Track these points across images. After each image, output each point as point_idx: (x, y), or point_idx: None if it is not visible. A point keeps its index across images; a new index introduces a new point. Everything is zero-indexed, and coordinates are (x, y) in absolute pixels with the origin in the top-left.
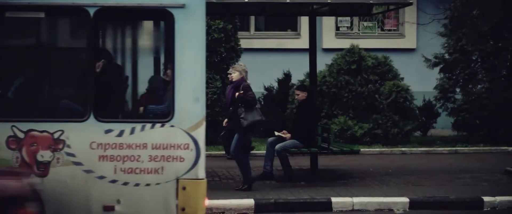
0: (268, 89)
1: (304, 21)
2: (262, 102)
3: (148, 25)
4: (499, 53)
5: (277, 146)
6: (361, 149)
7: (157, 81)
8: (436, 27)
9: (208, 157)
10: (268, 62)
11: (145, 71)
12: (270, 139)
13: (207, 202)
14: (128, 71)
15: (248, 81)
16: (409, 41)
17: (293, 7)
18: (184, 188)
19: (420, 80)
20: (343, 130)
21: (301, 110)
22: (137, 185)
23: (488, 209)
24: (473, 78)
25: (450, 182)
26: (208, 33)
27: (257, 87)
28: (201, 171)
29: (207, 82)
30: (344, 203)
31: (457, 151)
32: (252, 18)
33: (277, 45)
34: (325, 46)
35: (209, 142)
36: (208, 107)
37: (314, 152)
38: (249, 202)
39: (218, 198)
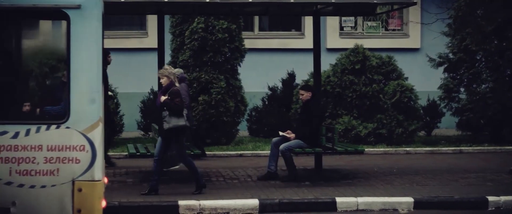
0: (272, 89)
1: (308, 21)
2: (266, 102)
3: (44, 25)
4: (504, 53)
5: (281, 146)
6: (366, 149)
7: (54, 83)
8: (440, 26)
9: (212, 157)
10: (272, 62)
11: (42, 72)
12: (274, 139)
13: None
14: (24, 72)
15: (177, 85)
16: (413, 41)
17: (297, 7)
18: (80, 190)
19: (424, 80)
20: (347, 129)
21: (305, 110)
22: (32, 187)
23: (493, 208)
24: (478, 78)
25: (454, 181)
26: (212, 33)
27: (261, 87)
28: (97, 172)
29: (211, 83)
30: (349, 203)
31: (462, 150)
32: (256, 18)
33: (281, 45)
34: (329, 46)
35: (214, 142)
36: (212, 107)
37: (319, 152)
38: (254, 202)
39: (222, 198)
